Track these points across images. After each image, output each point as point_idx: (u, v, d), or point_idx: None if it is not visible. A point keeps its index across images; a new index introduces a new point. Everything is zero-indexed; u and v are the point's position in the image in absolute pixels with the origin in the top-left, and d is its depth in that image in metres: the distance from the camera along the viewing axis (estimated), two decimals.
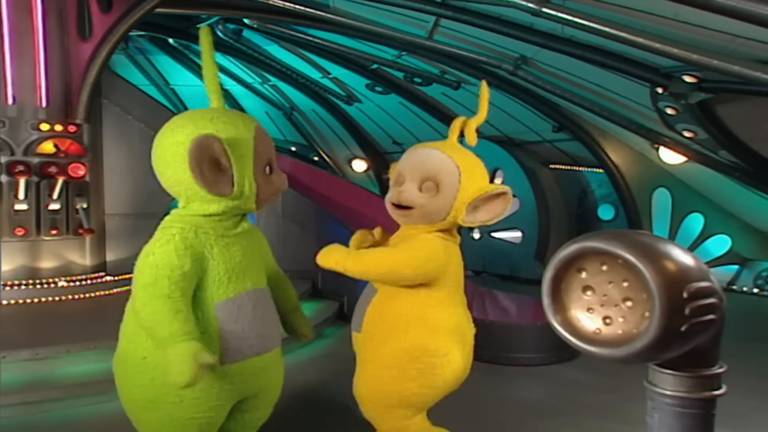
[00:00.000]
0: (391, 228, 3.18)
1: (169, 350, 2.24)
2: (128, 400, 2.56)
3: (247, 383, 2.60)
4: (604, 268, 1.32)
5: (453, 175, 2.81)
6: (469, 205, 2.82)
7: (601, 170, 10.12)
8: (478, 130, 3.04)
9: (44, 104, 6.13)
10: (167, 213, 2.60)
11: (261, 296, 2.67)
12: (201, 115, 2.50)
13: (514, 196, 2.90)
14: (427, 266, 2.83)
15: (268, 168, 2.60)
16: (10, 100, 5.97)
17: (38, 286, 5.90)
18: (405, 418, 2.95)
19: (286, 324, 2.97)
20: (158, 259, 2.36)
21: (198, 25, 10.21)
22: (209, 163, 2.38)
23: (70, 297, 5.90)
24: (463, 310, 3.04)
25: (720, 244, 9.23)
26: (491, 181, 2.97)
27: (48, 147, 6.11)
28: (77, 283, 6.12)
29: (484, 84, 3.23)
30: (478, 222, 2.88)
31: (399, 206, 2.90)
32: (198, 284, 2.44)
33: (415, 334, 2.85)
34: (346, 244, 3.09)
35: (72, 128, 6.27)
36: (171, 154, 2.42)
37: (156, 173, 2.55)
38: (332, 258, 2.86)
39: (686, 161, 8.52)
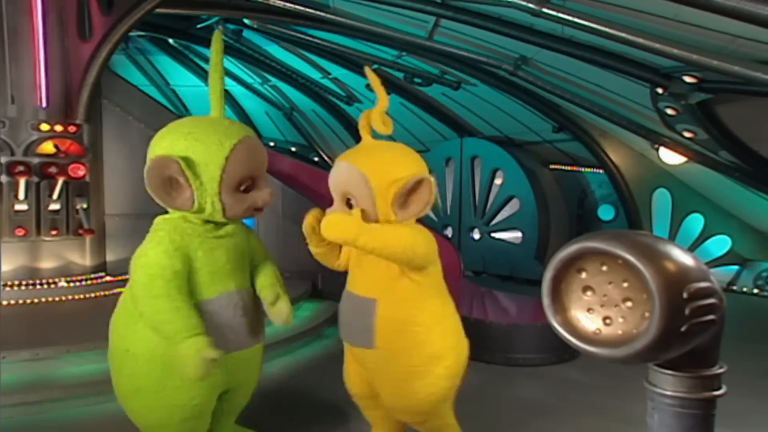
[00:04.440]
0: None
1: (177, 348, 2.39)
2: (119, 389, 2.74)
3: (228, 375, 2.71)
4: (604, 268, 1.32)
5: (361, 186, 2.70)
6: (394, 204, 2.69)
7: (601, 171, 10.12)
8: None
9: (44, 104, 6.13)
10: (166, 212, 2.69)
11: (245, 297, 2.74)
12: (180, 130, 2.58)
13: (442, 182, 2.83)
14: (433, 246, 2.75)
15: (244, 186, 2.62)
16: (10, 100, 5.97)
17: (38, 287, 5.89)
18: (449, 410, 2.96)
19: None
20: (150, 260, 2.48)
21: (198, 25, 10.23)
22: (166, 181, 2.50)
23: (70, 297, 5.90)
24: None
25: (720, 244, 9.21)
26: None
27: (48, 147, 6.11)
28: (77, 283, 6.11)
29: (367, 69, 3.20)
30: (412, 216, 2.74)
31: None
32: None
33: (435, 335, 2.79)
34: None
35: (72, 128, 6.26)
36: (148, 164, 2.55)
37: None
38: (344, 228, 2.57)
39: (686, 161, 8.51)
